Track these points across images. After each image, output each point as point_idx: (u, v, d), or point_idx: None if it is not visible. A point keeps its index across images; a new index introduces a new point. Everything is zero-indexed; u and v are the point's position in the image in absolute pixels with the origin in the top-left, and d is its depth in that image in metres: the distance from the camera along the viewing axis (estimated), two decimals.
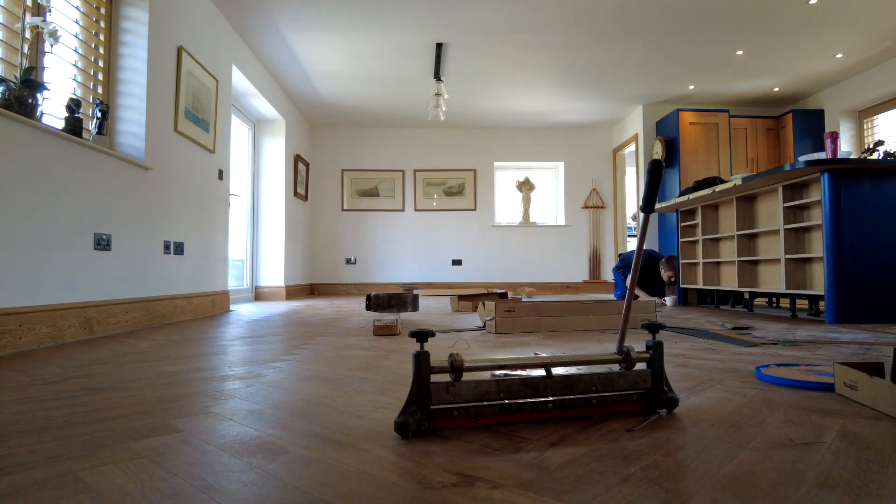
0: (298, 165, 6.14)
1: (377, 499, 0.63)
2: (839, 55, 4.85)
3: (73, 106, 2.35)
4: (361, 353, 1.85)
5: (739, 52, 4.76)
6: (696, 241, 4.40)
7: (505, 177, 7.49)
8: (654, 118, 6.23)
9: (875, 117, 5.37)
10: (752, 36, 4.43)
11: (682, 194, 4.22)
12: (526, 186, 7.28)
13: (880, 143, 3.74)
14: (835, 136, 3.13)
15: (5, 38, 2.15)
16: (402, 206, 7.10)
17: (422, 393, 0.86)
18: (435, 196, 7.13)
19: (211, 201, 3.80)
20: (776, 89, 5.76)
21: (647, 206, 0.97)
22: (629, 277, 1.27)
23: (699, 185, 4.03)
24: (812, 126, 5.80)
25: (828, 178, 2.88)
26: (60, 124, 2.35)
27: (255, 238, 5.50)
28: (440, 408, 0.88)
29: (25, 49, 2.16)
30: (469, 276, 7.09)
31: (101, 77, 2.80)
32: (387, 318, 2.43)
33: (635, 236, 7.04)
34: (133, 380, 1.39)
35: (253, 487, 0.66)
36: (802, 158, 2.97)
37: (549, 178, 7.55)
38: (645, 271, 5.01)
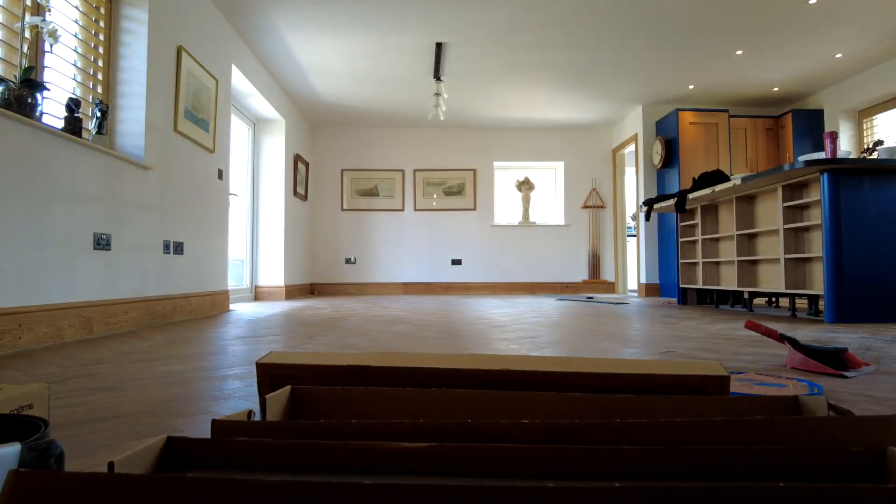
0: (298, 165, 6.14)
1: None
2: (839, 55, 4.85)
3: (73, 105, 2.35)
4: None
5: (739, 52, 4.76)
6: (695, 241, 4.40)
7: (505, 177, 7.50)
8: (654, 118, 6.23)
9: (874, 117, 5.37)
10: (752, 36, 4.44)
11: (688, 190, 4.22)
12: (526, 186, 7.28)
13: (879, 142, 3.75)
14: (834, 136, 3.13)
15: (5, 38, 2.15)
16: (401, 206, 7.10)
17: None
18: (435, 196, 7.13)
19: (211, 201, 3.80)
20: (776, 89, 5.76)
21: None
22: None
23: (705, 177, 4.00)
24: (812, 126, 5.80)
25: (827, 177, 2.88)
26: (60, 124, 2.35)
27: (254, 238, 5.50)
28: None
29: (25, 49, 2.16)
30: (469, 275, 7.09)
31: (100, 77, 2.80)
32: None
33: (635, 236, 7.03)
34: (133, 380, 1.39)
35: None
36: (802, 158, 2.97)
37: (549, 178, 7.55)
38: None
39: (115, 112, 2.86)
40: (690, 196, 4.01)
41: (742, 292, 4.08)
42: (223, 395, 1.20)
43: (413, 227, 7.10)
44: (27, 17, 2.21)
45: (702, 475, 0.49)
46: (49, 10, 2.35)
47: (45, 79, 2.39)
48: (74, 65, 2.59)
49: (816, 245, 3.06)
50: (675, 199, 4.18)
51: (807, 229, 3.17)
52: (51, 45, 2.31)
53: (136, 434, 0.90)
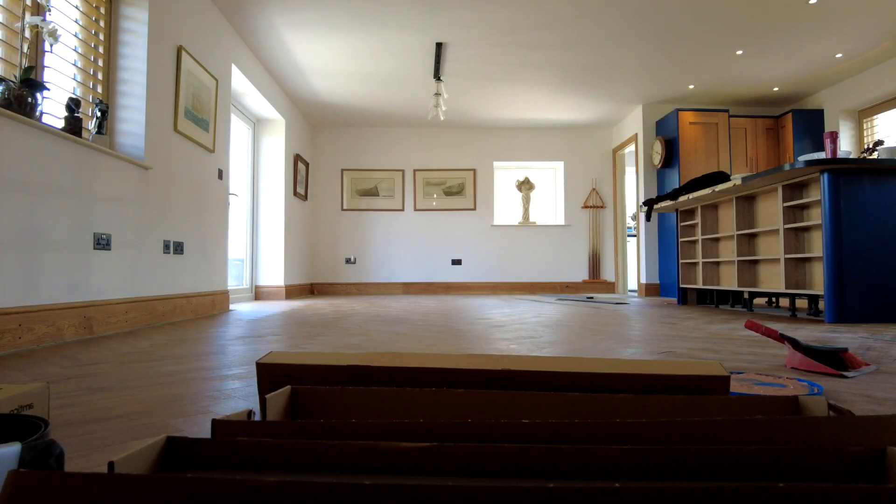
0: (298, 165, 6.14)
1: None
2: (839, 55, 4.85)
3: (73, 105, 2.35)
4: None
5: (739, 52, 4.76)
6: (695, 241, 4.40)
7: (505, 176, 7.50)
8: (654, 118, 6.23)
9: (875, 117, 5.37)
10: (752, 36, 4.43)
11: (682, 188, 4.22)
12: (526, 186, 7.28)
13: (880, 142, 3.75)
14: (834, 136, 3.13)
15: (5, 38, 2.15)
16: (401, 206, 7.10)
17: None
18: (435, 196, 7.13)
19: (211, 201, 3.80)
20: (776, 89, 5.76)
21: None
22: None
23: (705, 178, 3.99)
24: (812, 126, 5.80)
25: (827, 177, 2.88)
26: (60, 124, 2.35)
27: (254, 238, 5.50)
28: None
29: (25, 48, 2.16)
30: (469, 275, 7.09)
31: (100, 77, 2.80)
32: None
33: (635, 236, 7.03)
34: (133, 380, 1.39)
35: None
36: (802, 158, 2.97)
37: (549, 178, 7.55)
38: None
39: (115, 112, 2.86)
40: (690, 196, 4.01)
41: (742, 292, 4.09)
42: (223, 395, 1.20)
43: (413, 227, 7.10)
44: (27, 17, 2.21)
45: (702, 475, 0.49)
46: (49, 10, 2.35)
47: (45, 79, 2.39)
48: (74, 65, 2.59)
49: (816, 245, 3.06)
50: (670, 195, 4.19)
51: (807, 229, 3.17)
52: (51, 45, 2.31)
53: (136, 434, 0.90)
